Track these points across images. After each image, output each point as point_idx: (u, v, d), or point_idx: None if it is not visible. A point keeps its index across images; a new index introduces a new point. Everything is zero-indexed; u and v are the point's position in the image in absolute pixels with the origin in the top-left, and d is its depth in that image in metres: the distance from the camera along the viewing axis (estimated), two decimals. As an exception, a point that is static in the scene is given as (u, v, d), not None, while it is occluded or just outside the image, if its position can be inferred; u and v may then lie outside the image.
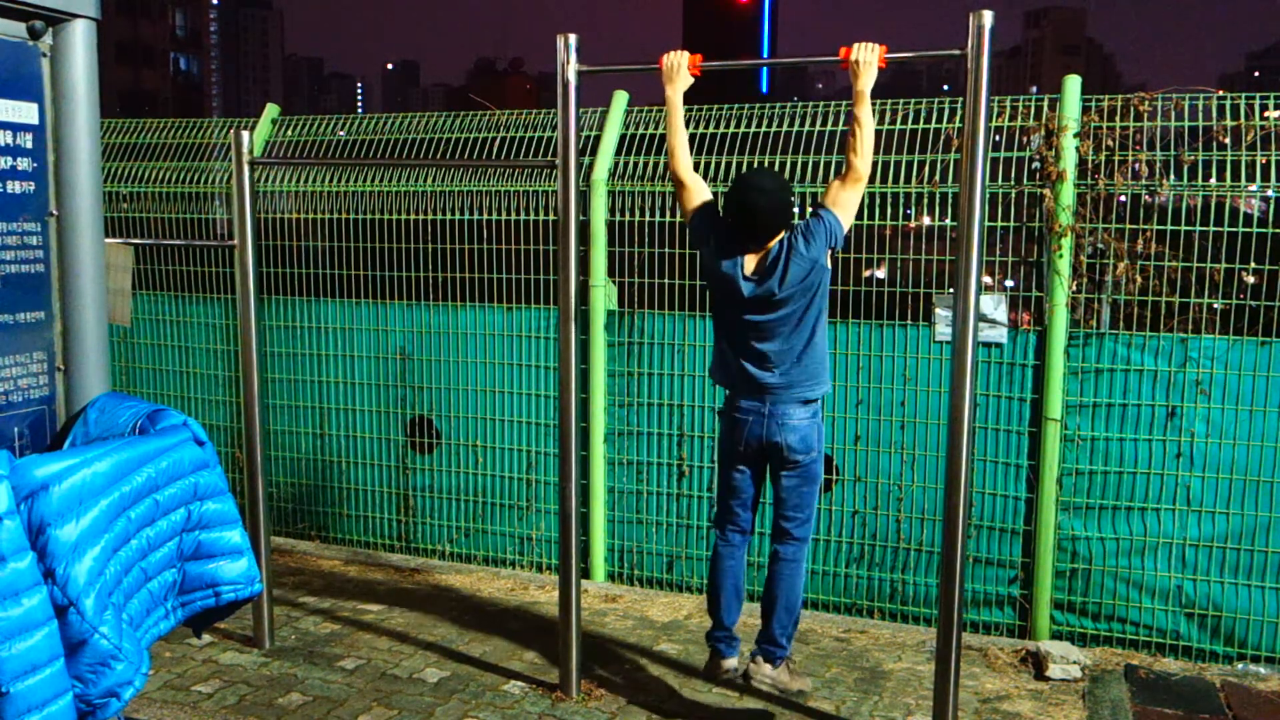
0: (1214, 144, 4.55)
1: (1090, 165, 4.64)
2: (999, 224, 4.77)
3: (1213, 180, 4.53)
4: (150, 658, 2.28)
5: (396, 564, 5.72)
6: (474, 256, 5.63)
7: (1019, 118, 4.79)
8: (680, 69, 3.68)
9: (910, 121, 4.94)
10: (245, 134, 4.31)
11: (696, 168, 5.12)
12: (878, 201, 4.94)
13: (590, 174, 5.31)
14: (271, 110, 6.24)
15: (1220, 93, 4.62)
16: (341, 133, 6.28)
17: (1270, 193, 4.56)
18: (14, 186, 2.43)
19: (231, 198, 4.51)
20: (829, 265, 3.60)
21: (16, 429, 2.46)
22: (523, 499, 5.64)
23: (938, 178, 4.86)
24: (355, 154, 6.24)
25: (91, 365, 2.59)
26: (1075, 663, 4.34)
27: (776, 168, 4.98)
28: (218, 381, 6.22)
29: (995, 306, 4.71)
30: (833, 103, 5.12)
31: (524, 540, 5.68)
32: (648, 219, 5.25)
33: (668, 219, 5.21)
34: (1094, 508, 4.70)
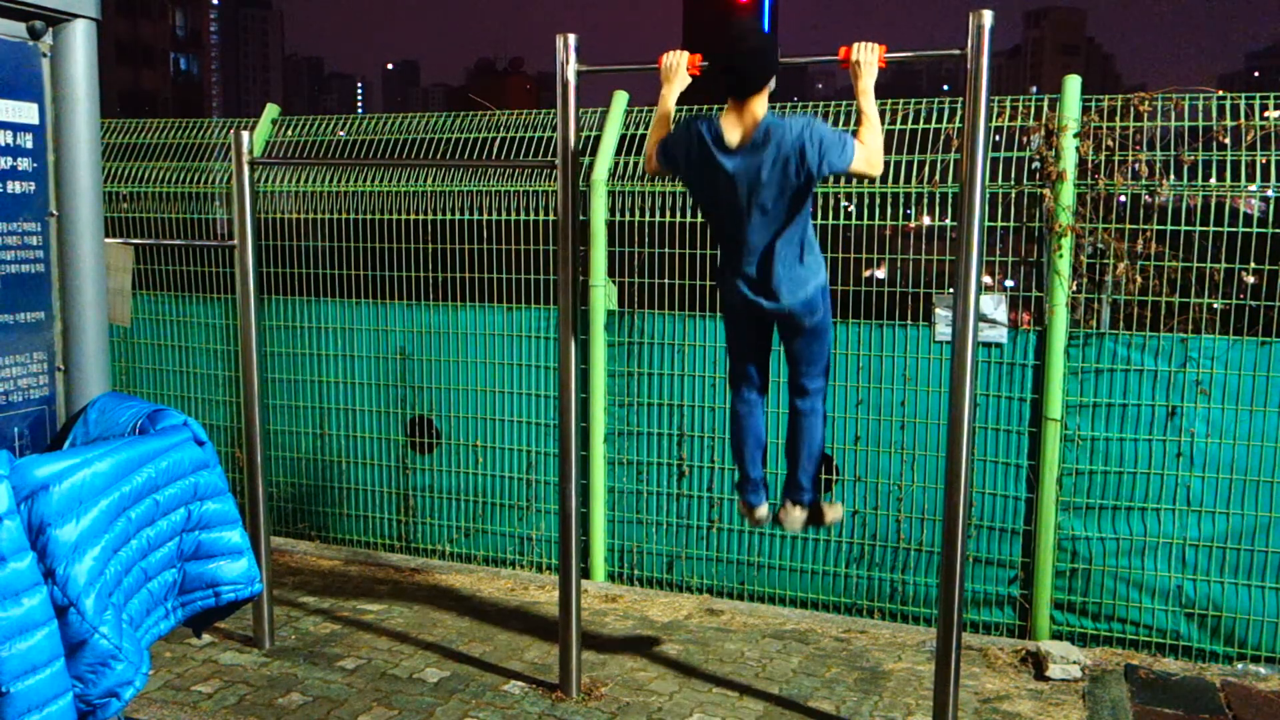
0: (1214, 144, 4.55)
1: (1090, 165, 4.64)
2: (999, 224, 4.77)
3: (1213, 180, 4.53)
4: (150, 658, 2.28)
5: (396, 564, 5.72)
6: (474, 256, 5.63)
7: (1019, 118, 4.79)
8: (679, 69, 3.67)
9: (910, 121, 4.94)
10: (245, 134, 4.31)
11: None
12: (878, 201, 4.94)
13: (590, 174, 5.31)
14: (271, 110, 6.25)
15: (1220, 93, 4.62)
16: (341, 133, 6.28)
17: (1270, 193, 4.56)
18: (14, 186, 2.43)
19: (231, 198, 4.51)
20: (811, 187, 3.42)
21: (16, 429, 2.46)
22: (523, 499, 5.64)
23: (938, 178, 4.86)
24: (355, 154, 6.24)
25: (91, 365, 2.59)
26: (1075, 663, 4.34)
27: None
28: (218, 381, 6.22)
29: (995, 306, 4.72)
30: (833, 103, 5.11)
31: (524, 540, 5.68)
32: (648, 219, 5.25)
33: (668, 219, 5.21)
34: (1094, 508, 4.70)
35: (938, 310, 4.82)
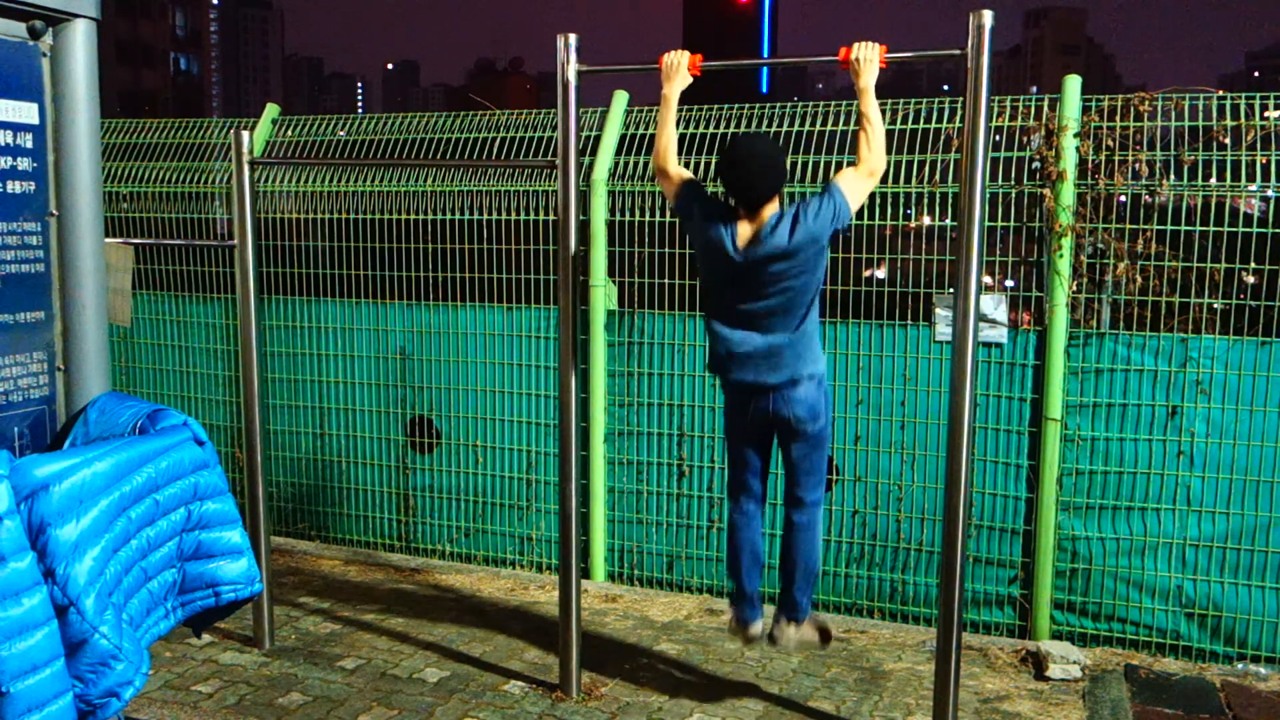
0: (1214, 144, 4.55)
1: (1090, 165, 4.64)
2: (999, 224, 4.77)
3: (1213, 180, 4.53)
4: (150, 658, 2.28)
5: (396, 564, 5.72)
6: (474, 256, 5.63)
7: (1019, 118, 4.79)
8: (680, 68, 3.67)
9: (910, 121, 4.94)
10: (245, 134, 4.31)
11: (694, 168, 5.14)
12: (878, 201, 4.94)
13: (590, 174, 5.31)
14: (271, 110, 6.25)
15: (1220, 93, 4.62)
16: (341, 133, 6.28)
17: (1270, 193, 4.56)
18: (14, 186, 2.43)
19: (231, 198, 4.51)
20: (828, 248, 3.53)
21: (16, 429, 2.46)
22: (523, 499, 5.64)
23: (938, 178, 4.86)
24: (355, 154, 6.24)
25: (91, 365, 2.59)
26: (1075, 663, 4.34)
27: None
28: (218, 381, 6.22)
29: (995, 306, 4.72)
30: (833, 103, 5.12)
31: (524, 540, 5.68)
32: (648, 219, 5.25)
33: (668, 219, 5.21)
34: (1094, 508, 4.70)
35: (938, 310, 4.82)
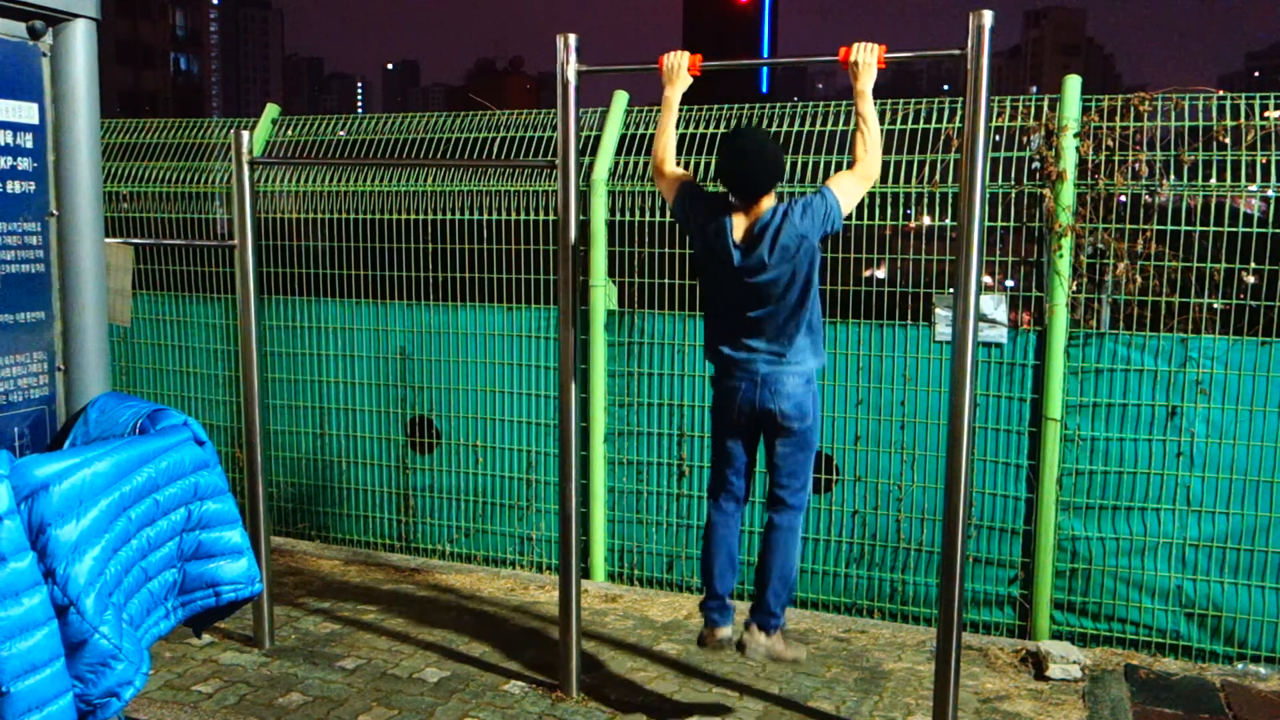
0: (1214, 144, 4.55)
1: (1090, 165, 4.64)
2: (999, 224, 4.77)
3: (1213, 180, 4.53)
4: (150, 658, 2.28)
5: (396, 564, 5.72)
6: (474, 256, 5.63)
7: (1019, 118, 4.79)
8: (680, 70, 3.68)
9: (910, 121, 4.94)
10: (245, 134, 4.31)
11: (694, 168, 5.14)
12: (878, 201, 4.94)
13: (590, 174, 5.31)
14: (271, 110, 6.25)
15: (1220, 93, 4.62)
16: (341, 133, 6.29)
17: (1270, 193, 4.56)
18: (14, 186, 2.43)
19: (231, 198, 4.51)
20: (820, 249, 3.53)
21: (16, 429, 2.46)
22: (523, 499, 5.64)
23: (938, 178, 4.86)
24: (355, 154, 6.24)
25: (91, 365, 2.59)
26: (1075, 663, 4.34)
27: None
28: (218, 381, 6.22)
29: (995, 306, 4.72)
30: (833, 103, 5.12)
31: (524, 540, 5.68)
32: (648, 219, 5.25)
33: (668, 219, 5.21)
34: (1094, 508, 4.70)
35: (938, 310, 4.82)
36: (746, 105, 5.36)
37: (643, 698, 4.09)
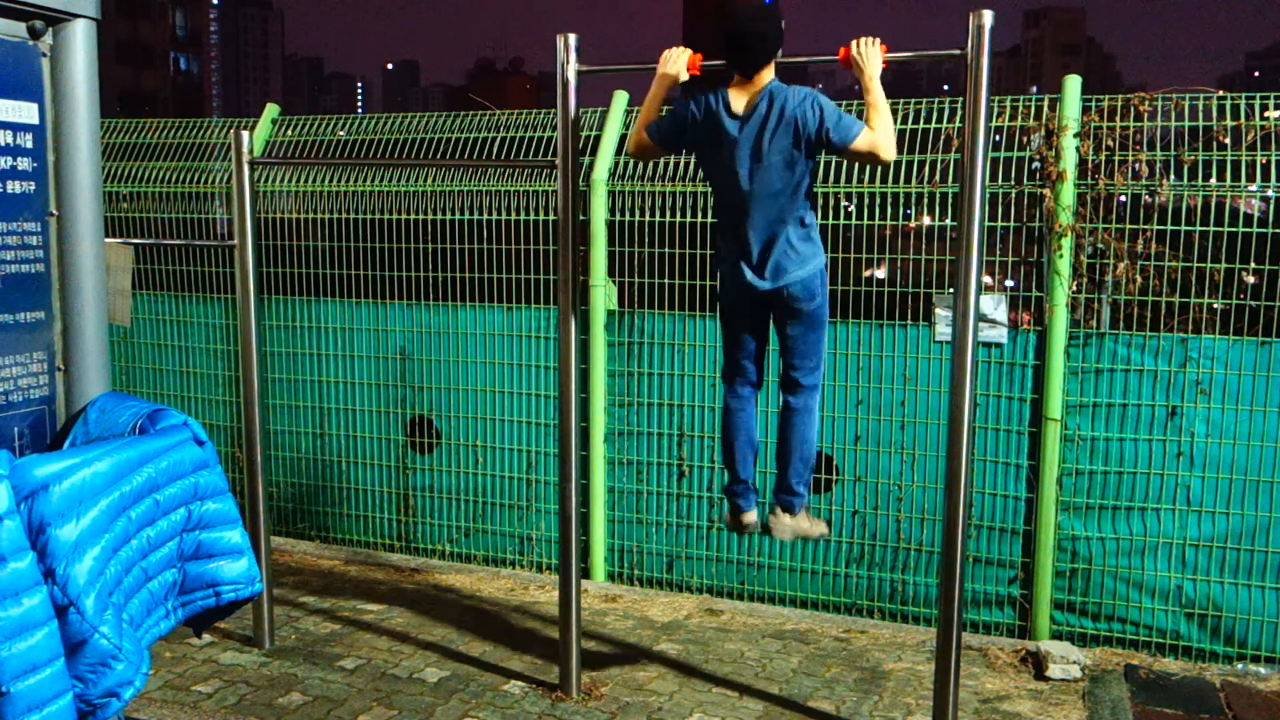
0: (1214, 144, 4.55)
1: (1090, 165, 4.64)
2: (999, 224, 4.77)
3: (1213, 180, 4.53)
4: (150, 658, 2.28)
5: (396, 564, 5.72)
6: (474, 256, 5.63)
7: (1019, 118, 4.79)
8: (678, 61, 3.67)
9: (910, 121, 4.94)
10: (245, 134, 4.31)
11: (694, 168, 5.14)
12: (878, 201, 4.94)
13: (590, 174, 5.31)
14: (271, 110, 6.25)
15: (1220, 93, 4.62)
16: (341, 133, 6.29)
17: (1270, 193, 4.56)
18: (14, 186, 2.43)
19: (231, 198, 4.51)
20: (812, 158, 3.48)
21: (16, 429, 2.46)
22: (523, 499, 5.64)
23: (938, 178, 4.86)
24: (355, 154, 6.24)
25: (91, 365, 2.59)
26: (1075, 663, 4.34)
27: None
28: (218, 381, 6.22)
29: (995, 306, 4.72)
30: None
31: (524, 540, 5.68)
32: (648, 219, 5.25)
33: (668, 219, 5.21)
34: (1094, 508, 4.70)
35: (938, 310, 4.82)
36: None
37: (643, 698, 4.09)
